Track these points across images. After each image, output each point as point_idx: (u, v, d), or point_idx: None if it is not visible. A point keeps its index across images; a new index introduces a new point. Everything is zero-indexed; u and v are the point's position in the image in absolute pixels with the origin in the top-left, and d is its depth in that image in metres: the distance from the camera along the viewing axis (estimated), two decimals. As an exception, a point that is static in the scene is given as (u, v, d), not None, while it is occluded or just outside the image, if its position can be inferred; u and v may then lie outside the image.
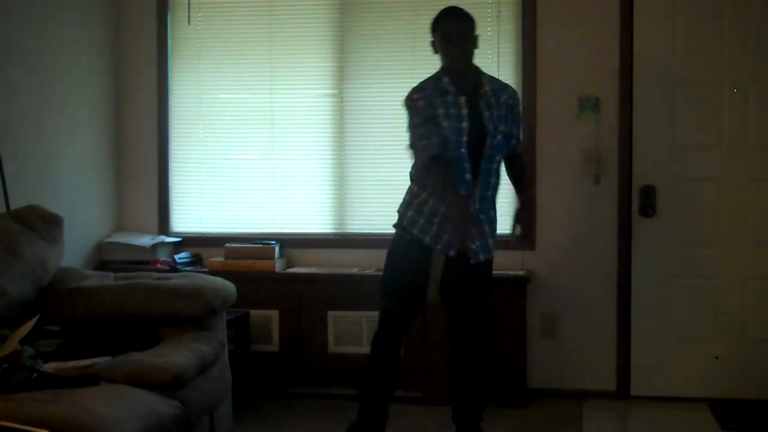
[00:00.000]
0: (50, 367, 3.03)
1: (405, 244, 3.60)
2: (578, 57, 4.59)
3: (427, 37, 4.66)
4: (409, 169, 3.65)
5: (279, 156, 4.93)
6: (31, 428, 2.33)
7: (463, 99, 3.48)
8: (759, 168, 4.50)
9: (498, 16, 4.67)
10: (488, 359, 3.82)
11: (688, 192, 4.54)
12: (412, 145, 3.55)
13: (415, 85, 3.60)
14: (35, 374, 2.88)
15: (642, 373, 4.58)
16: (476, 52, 3.60)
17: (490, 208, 3.58)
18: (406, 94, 3.57)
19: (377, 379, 3.72)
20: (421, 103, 3.48)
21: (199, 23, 4.94)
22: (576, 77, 4.58)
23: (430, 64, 4.67)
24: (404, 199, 3.63)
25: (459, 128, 3.44)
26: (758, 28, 4.46)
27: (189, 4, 4.90)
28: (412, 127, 3.52)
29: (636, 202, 4.55)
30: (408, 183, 3.65)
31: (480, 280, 3.65)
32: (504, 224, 4.69)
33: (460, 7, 3.60)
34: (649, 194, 4.54)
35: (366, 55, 4.81)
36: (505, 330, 4.43)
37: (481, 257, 3.57)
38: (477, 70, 3.60)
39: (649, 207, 4.53)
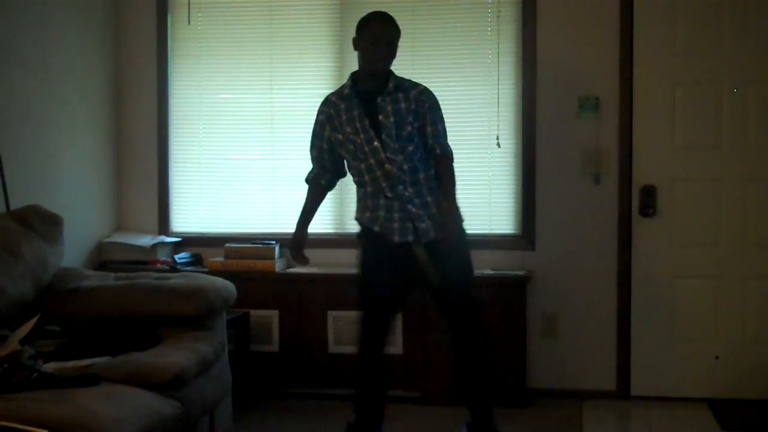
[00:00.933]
0: (50, 367, 3.02)
1: (368, 243, 3.69)
2: (578, 57, 4.59)
3: (427, 37, 4.69)
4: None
5: (279, 156, 4.93)
6: (31, 428, 2.33)
7: (356, 102, 3.59)
8: (759, 168, 4.50)
9: (498, 16, 4.67)
10: (489, 352, 3.81)
11: (688, 192, 4.54)
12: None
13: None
14: (35, 374, 2.88)
15: (642, 373, 4.58)
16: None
17: (421, 193, 3.60)
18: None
19: (365, 381, 3.73)
20: (322, 117, 3.75)
21: (199, 23, 4.94)
22: (576, 77, 4.58)
23: (430, 64, 4.71)
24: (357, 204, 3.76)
25: (356, 130, 3.59)
26: (758, 28, 4.46)
27: (189, 4, 4.90)
28: (311, 136, 3.84)
29: (636, 202, 4.55)
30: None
31: (452, 259, 3.60)
32: (504, 224, 4.73)
33: (387, 13, 3.65)
34: (649, 194, 4.54)
35: (366, 55, 4.81)
36: (505, 330, 4.43)
37: (432, 235, 3.58)
38: (389, 74, 3.64)
39: (649, 207, 4.53)
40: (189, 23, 4.91)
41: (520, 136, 4.66)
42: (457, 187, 3.67)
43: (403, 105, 3.58)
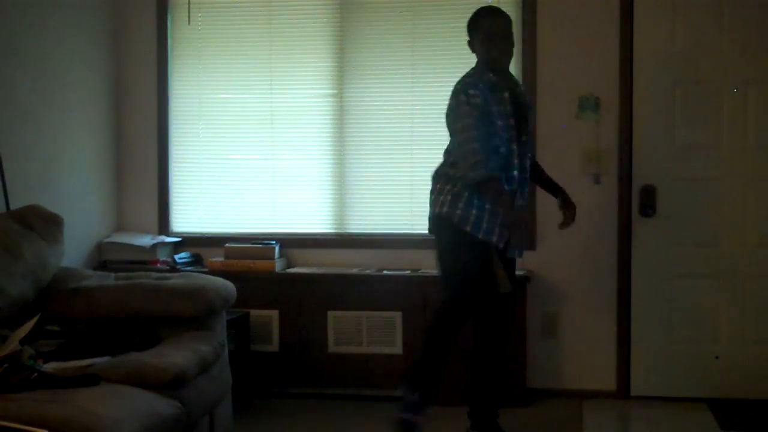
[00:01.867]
0: (50, 367, 3.02)
1: (468, 244, 3.57)
2: (578, 57, 4.59)
3: (427, 37, 4.68)
4: (440, 168, 3.67)
5: (279, 156, 4.93)
6: (31, 428, 2.33)
7: (507, 95, 3.53)
8: (759, 168, 4.50)
9: (498, 16, 4.67)
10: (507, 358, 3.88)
11: (688, 192, 4.54)
12: (462, 145, 3.50)
13: (466, 78, 3.60)
14: (35, 374, 2.88)
15: (642, 373, 4.58)
16: (471, 53, 3.65)
17: (525, 188, 3.68)
18: (459, 83, 3.58)
19: (441, 359, 3.65)
20: (478, 101, 3.47)
21: (199, 23, 4.94)
22: (576, 77, 4.58)
23: (430, 64, 4.71)
24: (446, 199, 3.59)
25: (508, 125, 3.51)
26: (758, 28, 4.46)
27: (189, 4, 4.90)
28: (466, 127, 3.48)
29: (636, 202, 4.55)
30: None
31: (512, 271, 3.75)
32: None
33: (496, 6, 3.69)
34: (649, 194, 4.54)
35: (366, 55, 4.81)
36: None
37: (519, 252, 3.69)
38: (509, 71, 3.68)
39: (649, 207, 4.53)
40: (189, 23, 4.91)
41: (520, 136, 4.66)
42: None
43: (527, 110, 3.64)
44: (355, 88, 4.82)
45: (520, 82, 4.02)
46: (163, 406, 2.97)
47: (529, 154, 3.72)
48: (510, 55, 3.62)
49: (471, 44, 3.63)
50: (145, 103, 4.96)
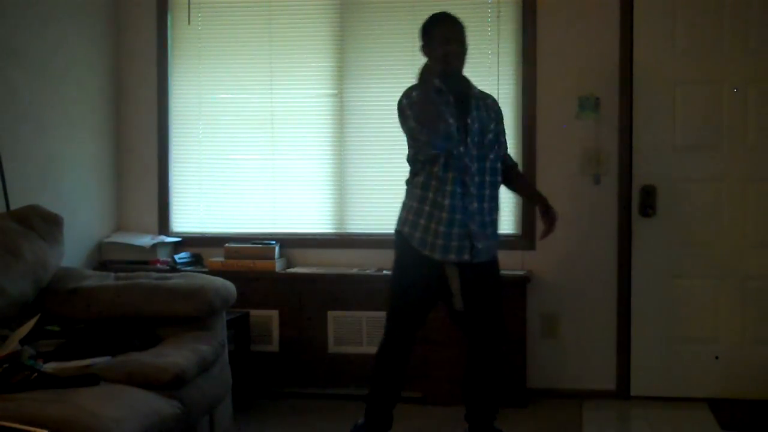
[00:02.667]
0: (50, 367, 3.02)
1: (412, 261, 3.54)
2: (578, 57, 4.59)
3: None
4: (407, 179, 3.61)
5: (279, 156, 4.93)
6: (31, 428, 2.33)
7: (452, 98, 3.49)
8: (759, 168, 4.50)
9: (498, 16, 4.67)
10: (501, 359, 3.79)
11: (688, 192, 4.54)
12: (413, 134, 3.46)
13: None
14: (35, 374, 2.88)
15: (642, 373, 4.58)
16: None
17: (491, 209, 3.57)
18: (402, 95, 3.52)
19: (383, 388, 3.69)
20: (424, 98, 3.42)
21: (199, 23, 4.94)
22: (576, 77, 4.58)
23: (430, 64, 4.69)
24: (403, 215, 3.58)
25: (453, 127, 3.43)
26: (758, 28, 4.46)
27: (189, 4, 4.90)
28: (414, 121, 3.43)
29: (636, 202, 4.55)
30: (402, 194, 3.61)
31: (493, 282, 3.64)
32: (504, 224, 4.73)
33: (450, 12, 3.59)
34: (649, 194, 4.54)
35: (366, 55, 4.81)
36: (505, 330, 4.42)
37: (484, 257, 3.55)
38: (464, 76, 3.61)
39: (649, 207, 4.53)
40: (189, 23, 4.91)
41: (520, 136, 4.66)
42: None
43: (483, 113, 3.55)
44: (355, 88, 4.82)
45: (494, 95, 3.85)
46: (163, 406, 2.97)
47: (491, 165, 3.57)
48: (462, 61, 3.54)
49: (423, 49, 3.56)
50: (145, 103, 4.96)
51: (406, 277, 3.59)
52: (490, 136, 3.54)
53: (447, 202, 3.45)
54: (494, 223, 3.60)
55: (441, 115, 3.38)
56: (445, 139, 3.40)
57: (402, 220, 3.58)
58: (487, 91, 3.73)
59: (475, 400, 3.71)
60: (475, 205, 3.49)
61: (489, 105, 3.61)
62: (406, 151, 3.60)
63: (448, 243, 3.46)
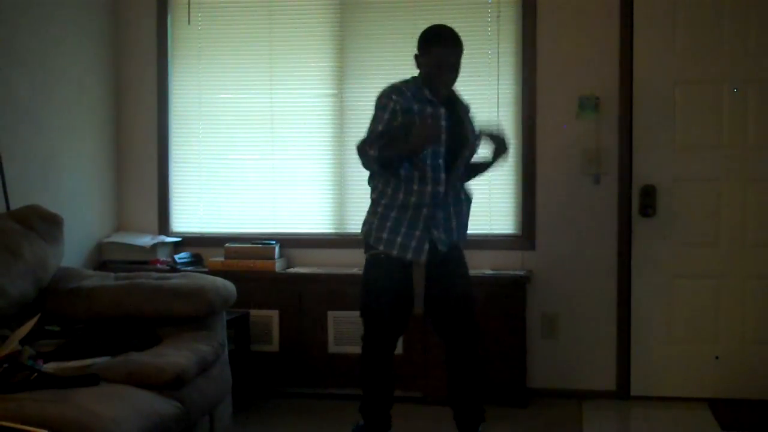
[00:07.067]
0: (50, 367, 3.02)
1: (378, 264, 3.56)
2: (578, 57, 4.59)
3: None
4: (367, 181, 3.66)
5: (279, 156, 4.93)
6: (31, 428, 2.33)
7: (443, 111, 3.48)
8: (759, 168, 4.49)
9: (498, 16, 4.67)
10: (483, 360, 3.76)
11: (688, 192, 4.54)
12: (364, 142, 3.45)
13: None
14: (35, 374, 2.88)
15: (642, 373, 4.58)
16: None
17: (459, 203, 3.59)
18: (389, 86, 3.51)
19: (374, 392, 3.68)
20: (397, 107, 3.43)
21: (199, 23, 4.94)
22: (576, 77, 4.58)
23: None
24: (366, 219, 3.63)
25: (439, 137, 3.40)
26: (758, 28, 4.46)
27: (189, 4, 4.90)
28: (374, 124, 3.46)
29: (636, 202, 4.55)
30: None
31: (459, 277, 3.62)
32: (504, 224, 4.73)
33: (453, 28, 3.54)
34: (649, 194, 4.54)
35: (366, 55, 4.81)
36: (505, 330, 4.43)
37: (442, 246, 3.52)
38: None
39: (649, 207, 4.53)
40: (189, 23, 4.91)
41: (520, 135, 4.66)
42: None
43: (468, 125, 3.57)
44: (355, 88, 4.82)
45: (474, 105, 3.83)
46: (163, 406, 2.97)
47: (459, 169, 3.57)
48: (450, 87, 3.54)
49: (417, 58, 3.54)
50: (145, 103, 4.96)
51: (378, 285, 3.59)
52: (464, 142, 3.55)
53: (411, 202, 3.48)
54: (459, 215, 3.59)
55: (401, 159, 3.38)
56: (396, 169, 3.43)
57: (367, 227, 3.61)
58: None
59: (459, 403, 3.69)
60: (440, 212, 3.50)
61: (470, 118, 3.64)
62: None
63: (407, 242, 3.48)
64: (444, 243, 3.51)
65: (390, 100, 3.44)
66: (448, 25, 3.59)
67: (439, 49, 3.46)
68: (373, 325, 3.62)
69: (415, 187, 3.46)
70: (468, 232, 3.70)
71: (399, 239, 3.49)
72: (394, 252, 3.49)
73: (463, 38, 3.53)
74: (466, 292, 3.64)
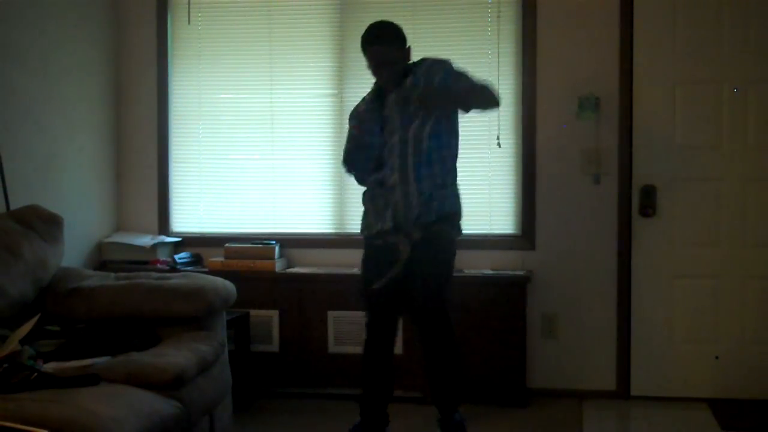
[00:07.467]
0: (50, 367, 3.03)
1: (367, 250, 3.77)
2: (578, 57, 4.59)
3: (427, 37, 4.67)
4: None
5: (279, 156, 4.93)
6: (31, 428, 2.33)
7: (377, 104, 3.66)
8: (759, 168, 4.50)
9: (498, 16, 4.67)
10: (455, 346, 3.76)
11: (688, 192, 4.54)
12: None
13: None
14: (35, 374, 2.88)
15: (642, 373, 4.58)
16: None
17: (431, 187, 3.64)
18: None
19: (372, 385, 3.77)
20: (355, 132, 3.76)
21: (199, 23, 4.94)
22: (576, 77, 4.58)
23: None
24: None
25: (373, 131, 3.66)
26: (758, 28, 4.46)
27: (189, 4, 4.90)
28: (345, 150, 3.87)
29: (636, 202, 4.55)
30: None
31: (426, 261, 3.64)
32: (504, 224, 4.73)
33: (385, 22, 3.72)
34: (649, 194, 4.54)
35: (366, 55, 4.81)
36: (505, 330, 4.43)
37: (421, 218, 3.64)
38: (406, 68, 3.69)
39: (649, 207, 4.53)
40: (189, 23, 4.91)
41: (520, 135, 4.66)
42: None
43: (413, 94, 3.60)
44: (355, 88, 4.80)
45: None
46: (163, 406, 2.97)
47: (416, 137, 3.63)
48: (390, 82, 3.65)
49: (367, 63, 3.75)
50: (145, 103, 4.96)
51: (369, 268, 3.77)
52: (417, 123, 3.61)
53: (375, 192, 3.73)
54: (431, 198, 3.65)
55: (363, 162, 3.75)
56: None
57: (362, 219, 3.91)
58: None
59: (434, 389, 3.76)
60: (414, 185, 3.61)
61: (419, 73, 3.65)
62: None
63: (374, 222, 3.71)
64: (402, 223, 3.63)
65: (350, 125, 3.83)
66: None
67: (366, 47, 3.68)
68: (369, 309, 3.77)
69: (374, 176, 3.72)
70: (447, 211, 3.71)
71: (370, 220, 3.74)
72: (366, 232, 3.76)
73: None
74: (430, 275, 3.64)
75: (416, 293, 3.64)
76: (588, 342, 4.62)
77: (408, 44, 3.70)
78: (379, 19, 3.67)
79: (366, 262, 3.80)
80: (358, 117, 3.76)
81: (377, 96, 3.72)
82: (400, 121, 3.62)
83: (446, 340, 3.69)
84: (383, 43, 3.63)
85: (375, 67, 3.65)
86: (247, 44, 4.92)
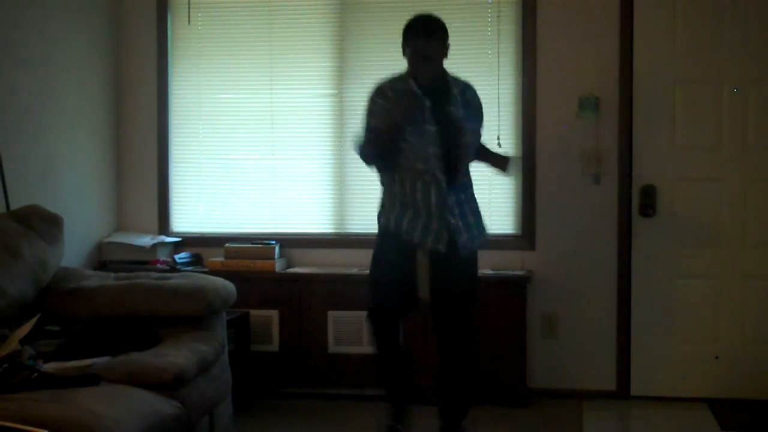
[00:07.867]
0: (50, 367, 3.02)
1: (387, 242, 3.62)
2: (578, 57, 4.59)
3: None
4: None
5: (279, 156, 4.93)
6: (31, 428, 2.33)
7: (428, 102, 3.49)
8: (759, 168, 4.50)
9: (498, 16, 4.67)
10: (473, 360, 3.75)
11: (688, 192, 4.54)
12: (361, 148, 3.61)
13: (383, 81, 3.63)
14: (35, 374, 2.88)
15: (642, 373, 4.58)
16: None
17: (470, 201, 3.62)
18: (377, 84, 3.61)
19: (387, 375, 3.72)
20: (375, 108, 3.56)
21: (199, 23, 4.94)
22: (576, 77, 4.58)
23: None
24: (380, 200, 3.68)
25: (424, 131, 3.46)
26: (758, 28, 4.46)
27: (189, 4, 4.90)
28: (365, 131, 3.60)
29: (636, 202, 4.55)
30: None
31: (465, 276, 3.62)
32: (504, 224, 4.73)
33: (432, 16, 3.59)
34: (649, 194, 4.54)
35: (366, 55, 4.81)
36: (505, 330, 4.43)
37: (466, 246, 3.56)
38: (444, 73, 3.61)
39: (649, 207, 4.53)
40: (189, 23, 4.91)
41: (520, 136, 4.66)
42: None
43: (462, 111, 3.55)
44: (355, 88, 4.81)
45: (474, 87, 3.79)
46: (163, 406, 2.97)
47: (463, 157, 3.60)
48: (431, 74, 3.54)
49: (402, 50, 3.60)
50: (145, 103, 4.96)
51: (383, 260, 3.66)
52: (470, 136, 3.56)
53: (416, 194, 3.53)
54: (475, 214, 3.62)
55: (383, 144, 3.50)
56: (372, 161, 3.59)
57: (381, 207, 3.68)
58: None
59: (443, 399, 3.70)
60: (455, 202, 3.53)
61: (467, 100, 3.62)
62: None
63: (427, 230, 3.52)
64: (463, 246, 3.53)
65: (375, 103, 3.58)
66: (449, 25, 3.60)
67: (411, 40, 3.53)
68: (374, 300, 3.71)
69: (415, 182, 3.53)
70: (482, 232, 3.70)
71: (404, 224, 3.54)
72: (386, 226, 3.59)
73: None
74: (461, 291, 3.61)
75: (444, 310, 3.60)
76: (588, 342, 4.62)
77: (449, 41, 3.61)
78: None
79: (380, 251, 3.68)
80: (392, 114, 3.49)
81: (406, 88, 3.54)
82: (438, 131, 3.50)
83: (466, 354, 3.66)
84: (430, 37, 3.53)
85: (416, 59, 3.51)
86: (247, 44, 4.92)
